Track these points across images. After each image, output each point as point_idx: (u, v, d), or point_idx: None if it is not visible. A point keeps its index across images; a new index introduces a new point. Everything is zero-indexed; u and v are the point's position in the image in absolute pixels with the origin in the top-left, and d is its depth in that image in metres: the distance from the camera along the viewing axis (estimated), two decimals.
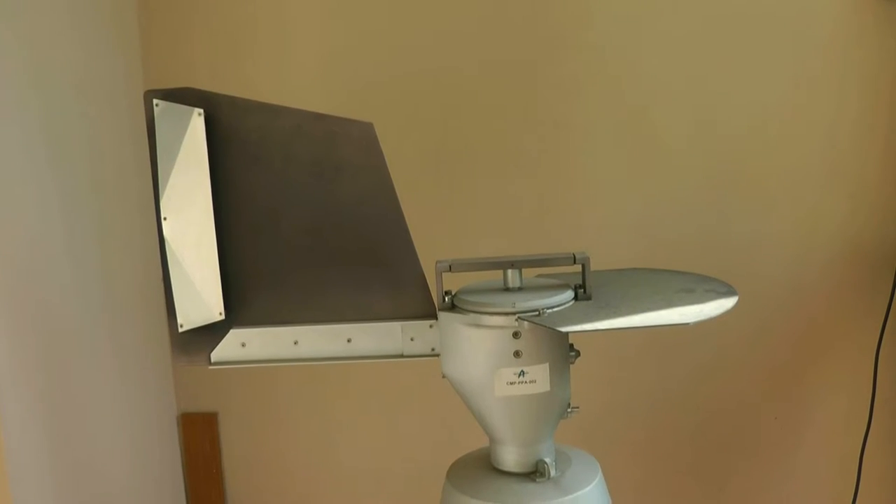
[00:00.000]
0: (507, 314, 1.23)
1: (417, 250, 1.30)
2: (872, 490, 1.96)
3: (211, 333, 1.34)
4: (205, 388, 2.04)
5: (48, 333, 1.59)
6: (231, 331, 1.34)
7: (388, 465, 2.02)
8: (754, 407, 1.97)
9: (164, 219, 1.28)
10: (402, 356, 1.33)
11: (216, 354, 1.35)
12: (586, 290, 1.30)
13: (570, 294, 1.28)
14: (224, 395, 2.04)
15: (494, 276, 1.35)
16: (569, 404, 1.32)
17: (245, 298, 1.34)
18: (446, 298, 1.29)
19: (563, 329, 1.17)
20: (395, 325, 1.32)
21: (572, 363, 1.31)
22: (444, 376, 1.31)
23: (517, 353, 1.24)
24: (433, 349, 1.32)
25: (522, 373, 1.25)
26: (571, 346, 1.31)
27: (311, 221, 1.32)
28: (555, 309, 1.24)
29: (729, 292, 1.28)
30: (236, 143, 1.30)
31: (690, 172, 1.91)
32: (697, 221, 1.91)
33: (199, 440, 2.07)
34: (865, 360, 1.90)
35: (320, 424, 2.02)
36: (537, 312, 1.22)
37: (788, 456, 1.99)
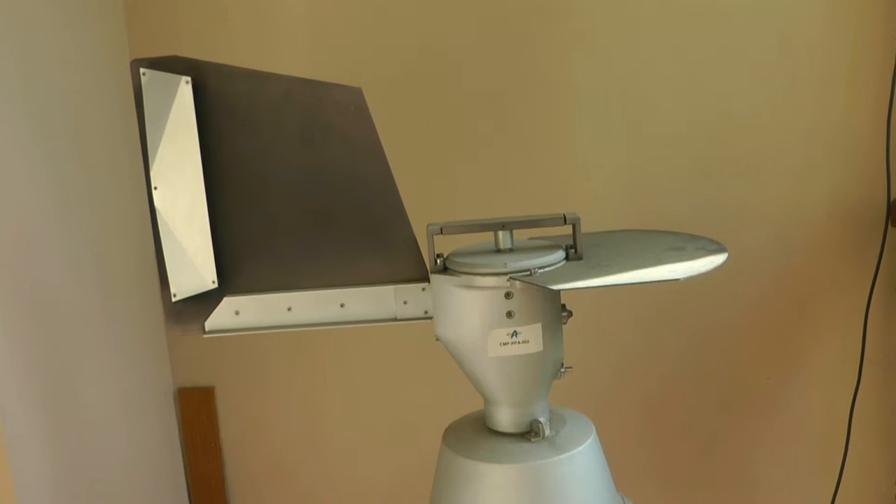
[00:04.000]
0: (498, 275, 1.23)
1: (409, 215, 1.30)
2: (862, 448, 1.97)
3: (204, 302, 1.34)
4: (201, 362, 2.05)
5: (41, 311, 1.59)
6: (224, 299, 1.35)
7: (384, 433, 2.03)
8: (745, 367, 1.98)
9: (155, 188, 1.28)
10: (395, 320, 1.33)
11: (210, 323, 1.35)
12: (577, 251, 1.30)
13: (560, 254, 1.29)
14: (220, 369, 2.04)
15: (485, 239, 1.35)
16: (562, 364, 1.33)
17: (238, 266, 1.34)
18: (438, 261, 1.30)
19: (555, 287, 1.18)
20: (388, 289, 1.32)
21: (565, 323, 1.32)
22: (437, 339, 1.32)
23: (509, 314, 1.25)
24: (426, 312, 1.32)
25: (515, 333, 1.25)
26: (563, 306, 1.32)
27: (302, 187, 1.32)
28: (546, 269, 1.25)
29: (719, 249, 1.29)
30: (225, 110, 1.30)
31: (679, 137, 1.91)
32: (686, 185, 1.92)
33: (197, 415, 2.07)
34: (854, 321, 1.92)
35: (317, 395, 2.03)
36: (529, 272, 1.23)
37: (779, 415, 2.00)
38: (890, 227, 1.86)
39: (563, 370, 1.33)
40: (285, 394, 2.04)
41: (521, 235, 1.36)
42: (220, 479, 2.09)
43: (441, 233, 1.30)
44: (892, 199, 1.86)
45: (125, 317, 1.86)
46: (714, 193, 1.92)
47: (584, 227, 1.31)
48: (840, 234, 1.92)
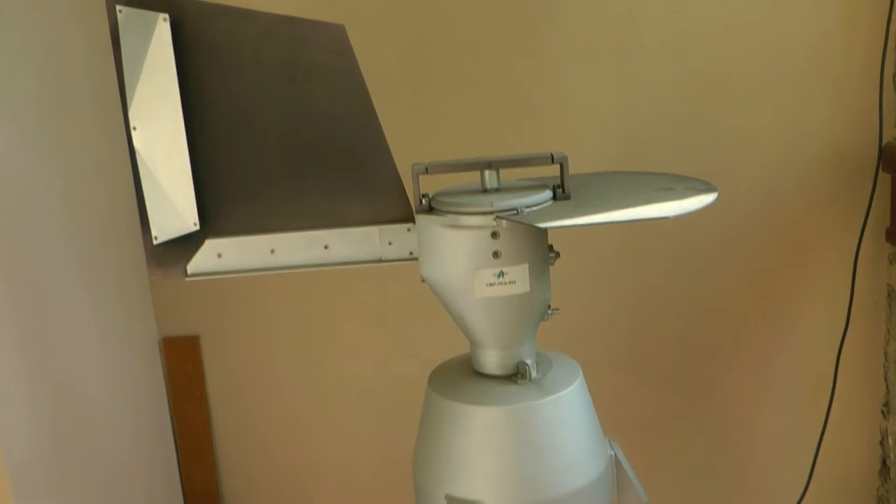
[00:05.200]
0: (484, 214, 1.22)
1: (394, 157, 1.28)
2: (848, 393, 1.98)
3: (186, 245, 1.32)
4: (185, 311, 2.03)
5: (21, 261, 1.55)
6: (206, 241, 1.32)
7: (370, 378, 2.02)
8: (733, 313, 1.98)
9: (134, 129, 1.26)
10: (380, 261, 1.32)
11: (192, 266, 1.33)
12: (565, 190, 1.28)
13: (548, 194, 1.27)
14: (205, 317, 2.03)
15: (472, 180, 1.33)
16: (549, 306, 1.32)
17: (219, 208, 1.32)
18: (423, 201, 1.28)
19: (542, 225, 1.16)
20: (373, 230, 1.30)
21: (552, 264, 1.31)
22: (423, 280, 1.30)
23: (496, 254, 1.23)
24: (411, 253, 1.30)
25: (502, 273, 1.24)
26: (551, 247, 1.30)
27: (284, 127, 1.29)
28: (533, 208, 1.23)
29: (708, 189, 1.27)
30: (204, 48, 1.27)
31: (670, 78, 1.88)
32: (677, 128, 1.90)
33: (182, 364, 2.06)
34: (843, 266, 1.91)
35: (302, 342, 2.02)
36: (515, 211, 1.21)
37: (767, 360, 2.00)
38: (880, 171, 1.84)
39: (550, 312, 1.32)
40: (270, 341, 2.02)
41: (508, 177, 1.34)
42: (207, 428, 2.08)
43: (426, 172, 1.28)
44: (883, 143, 1.84)
45: (108, 267, 1.84)
46: (704, 139, 1.90)
47: (572, 171, 1.29)
48: (831, 180, 1.90)
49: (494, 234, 1.22)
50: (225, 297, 2.00)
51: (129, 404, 1.88)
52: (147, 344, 1.99)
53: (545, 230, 1.28)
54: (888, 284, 1.94)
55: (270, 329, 2.01)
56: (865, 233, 1.87)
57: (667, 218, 1.15)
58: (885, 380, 1.99)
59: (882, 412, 2.02)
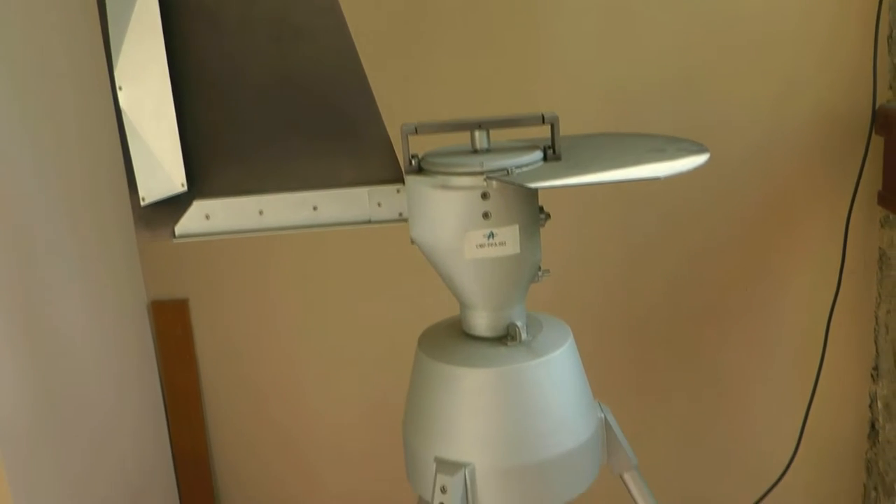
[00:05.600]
0: (474, 174, 1.20)
1: (384, 120, 1.27)
2: (838, 358, 1.98)
3: (174, 206, 1.31)
4: (174, 274, 2.02)
5: (7, 224, 1.54)
6: (194, 203, 1.32)
7: (360, 339, 2.02)
8: (725, 277, 1.97)
9: (120, 89, 1.24)
10: (369, 222, 1.31)
11: (180, 227, 1.32)
12: (556, 151, 1.27)
13: (538, 154, 1.26)
14: (194, 280, 2.02)
15: (461, 140, 1.32)
16: (539, 268, 1.31)
17: (207, 169, 1.31)
18: (413, 162, 1.27)
19: (533, 185, 1.15)
20: (362, 191, 1.30)
21: (542, 226, 1.30)
22: (412, 241, 1.29)
23: (486, 215, 1.22)
24: (401, 214, 1.30)
25: (492, 235, 1.23)
26: (541, 208, 1.29)
27: (272, 87, 1.28)
28: (524, 169, 1.22)
29: (700, 150, 1.26)
30: (190, 6, 1.26)
31: (662, 41, 1.87)
32: (668, 91, 1.88)
33: (171, 327, 2.05)
34: (834, 230, 1.91)
35: (291, 304, 2.01)
36: (505, 172, 1.20)
37: (757, 326, 2.00)
38: (873, 134, 1.83)
39: (540, 273, 1.31)
40: (260, 304, 2.02)
41: (499, 138, 1.33)
42: (196, 392, 2.08)
43: (416, 133, 1.26)
44: (876, 106, 1.83)
45: (95, 230, 1.83)
46: (695, 102, 1.89)
47: (563, 134, 1.28)
48: (823, 143, 1.89)
49: (484, 195, 1.21)
50: (214, 260, 1.99)
51: (117, 368, 1.88)
52: (136, 307, 1.99)
53: (535, 191, 1.27)
54: (879, 248, 1.94)
55: (259, 292, 2.01)
56: (857, 196, 1.87)
57: (658, 178, 1.14)
58: (875, 344, 2.00)
59: (871, 376, 2.03)
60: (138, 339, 1.99)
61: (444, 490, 1.26)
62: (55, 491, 1.58)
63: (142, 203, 1.29)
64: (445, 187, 1.22)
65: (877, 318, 1.98)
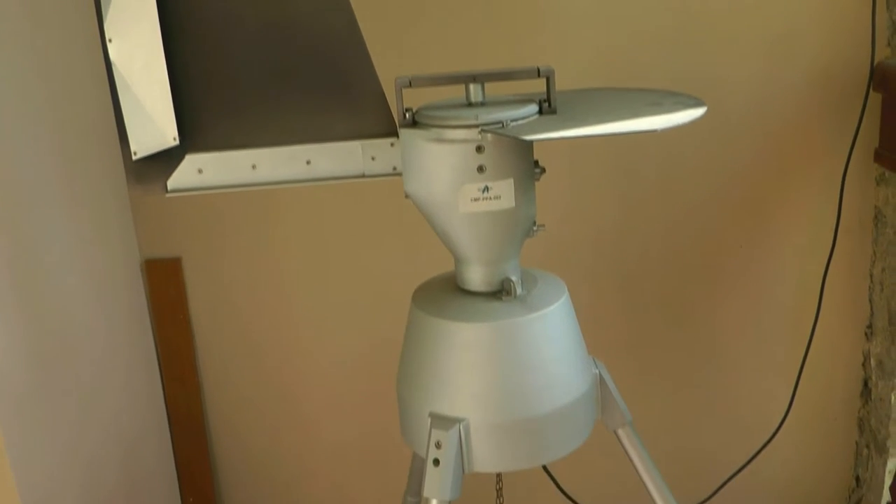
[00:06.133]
0: (469, 127, 1.19)
1: (376, 69, 1.25)
2: (832, 316, 1.98)
3: (166, 160, 1.30)
4: (167, 233, 2.00)
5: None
6: (187, 157, 1.30)
7: (354, 296, 2.01)
8: (720, 235, 1.97)
9: (110, 41, 1.22)
10: (363, 176, 1.30)
11: (172, 182, 1.31)
12: (551, 104, 1.26)
13: (534, 108, 1.25)
14: (187, 239, 2.00)
15: (456, 94, 1.31)
16: (534, 222, 1.30)
17: (199, 123, 1.29)
18: (407, 115, 1.25)
19: (527, 138, 1.14)
20: (356, 145, 1.28)
21: (537, 180, 1.29)
22: (406, 196, 1.28)
23: (481, 168, 1.21)
24: (395, 168, 1.29)
25: (486, 188, 1.22)
26: (536, 162, 1.28)
27: (265, 39, 1.26)
28: (519, 122, 1.21)
29: (697, 104, 1.24)
30: None
31: (658, 2, 1.85)
32: (663, 47, 1.86)
33: (164, 286, 2.04)
34: (830, 187, 1.90)
35: (285, 262, 2.00)
36: (500, 124, 1.19)
37: (752, 282, 2.00)
38: (871, 91, 1.82)
39: (535, 228, 1.30)
40: (252, 262, 2.01)
41: (494, 92, 1.31)
42: (190, 351, 2.08)
43: (410, 86, 1.25)
44: (875, 62, 1.81)
45: (87, 188, 1.81)
46: (692, 58, 1.87)
47: (559, 89, 1.27)
48: (821, 99, 1.88)
49: (479, 148, 1.20)
50: (206, 218, 1.98)
51: (110, 327, 1.87)
52: (129, 266, 1.97)
53: (530, 144, 1.26)
54: (875, 206, 1.93)
55: (253, 249, 2.00)
56: (853, 154, 1.86)
57: (655, 131, 1.13)
58: (870, 302, 2.00)
59: (865, 334, 2.03)
60: (131, 299, 1.98)
61: (438, 445, 1.26)
62: (49, 449, 1.58)
63: (133, 157, 1.27)
64: (440, 140, 1.21)
65: (871, 277, 1.98)
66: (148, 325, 2.04)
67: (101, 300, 1.83)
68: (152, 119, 1.27)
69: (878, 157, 1.86)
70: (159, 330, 2.06)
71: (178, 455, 2.13)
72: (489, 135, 1.18)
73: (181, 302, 2.04)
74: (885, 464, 2.02)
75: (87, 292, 1.78)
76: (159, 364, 2.07)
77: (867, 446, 2.09)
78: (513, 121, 1.20)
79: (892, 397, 1.95)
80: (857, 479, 2.15)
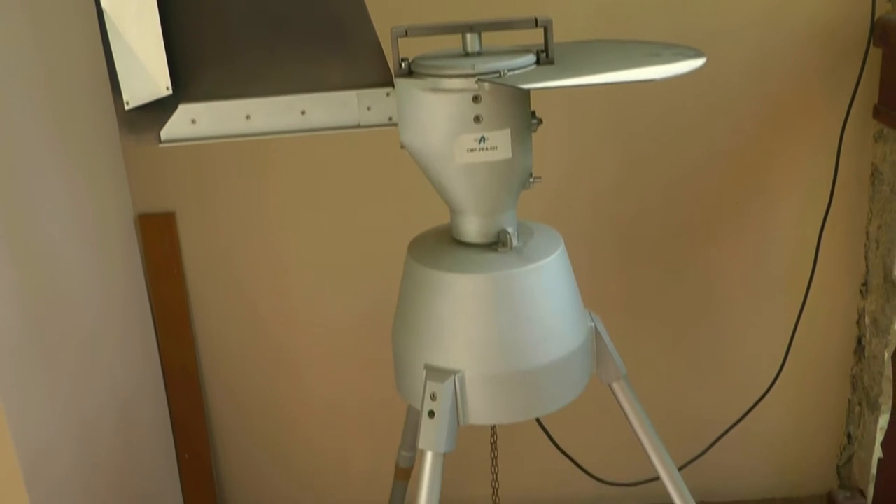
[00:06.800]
0: (466, 76, 1.18)
1: (372, 18, 1.24)
2: (828, 274, 1.98)
3: (159, 110, 1.28)
4: (160, 187, 1.99)
5: None
6: (180, 107, 1.29)
7: (349, 250, 2.00)
8: (716, 191, 1.96)
9: None
10: (358, 126, 1.28)
11: (166, 132, 1.30)
12: (549, 55, 1.25)
13: (531, 58, 1.23)
14: (180, 193, 1.99)
15: (453, 44, 1.29)
16: (531, 174, 1.29)
17: (193, 72, 1.28)
18: (403, 65, 1.24)
19: (525, 86, 1.12)
20: (351, 95, 1.27)
21: (534, 131, 1.28)
22: (402, 146, 1.27)
23: (477, 118, 1.20)
24: (391, 118, 1.27)
25: (483, 139, 1.21)
26: (533, 113, 1.27)
27: None
28: (516, 71, 1.20)
29: (696, 55, 1.23)
30: None
31: None
32: (663, 3, 1.84)
33: (158, 241, 2.03)
34: (828, 144, 1.89)
35: (280, 216, 1.99)
36: (498, 74, 1.17)
37: (748, 240, 2.00)
38: (871, 47, 1.80)
39: (532, 180, 1.30)
40: (247, 217, 1.99)
41: (491, 43, 1.30)
42: (185, 306, 2.07)
43: (406, 35, 1.24)
44: (875, 17, 1.79)
45: (80, 141, 1.79)
46: (690, 12, 1.85)
47: (556, 41, 1.25)
48: (820, 55, 1.86)
49: (476, 98, 1.19)
50: (200, 172, 1.96)
51: (105, 283, 1.86)
52: (122, 221, 1.96)
53: (528, 95, 1.24)
54: (872, 163, 1.93)
55: (247, 204, 1.98)
56: (852, 110, 1.84)
57: (654, 80, 1.12)
58: (866, 259, 2.00)
59: (861, 292, 2.03)
60: (125, 254, 1.97)
61: (433, 397, 1.26)
62: (46, 405, 1.58)
63: (126, 107, 1.26)
64: (436, 90, 1.20)
65: (867, 234, 1.98)
66: (142, 281, 2.04)
67: (95, 255, 1.82)
68: (145, 68, 1.25)
69: (877, 113, 1.85)
70: (153, 285, 2.06)
71: (173, 411, 2.13)
72: (486, 84, 1.17)
73: (175, 257, 2.04)
74: (876, 421, 2.03)
75: (81, 248, 1.76)
76: (154, 320, 2.07)
77: (859, 404, 2.10)
78: (510, 70, 1.18)
79: (886, 354, 1.96)
80: (849, 436, 2.16)
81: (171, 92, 1.27)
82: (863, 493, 2.14)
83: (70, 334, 1.70)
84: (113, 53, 1.23)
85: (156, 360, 2.08)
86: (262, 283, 2.05)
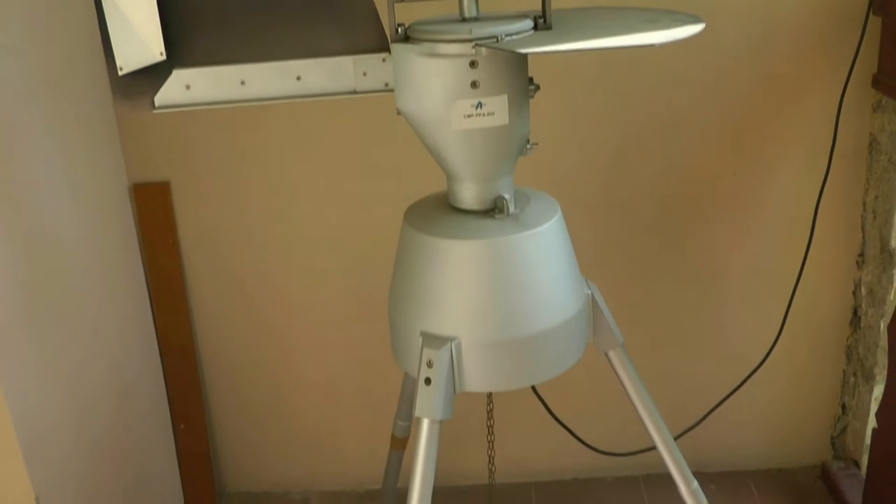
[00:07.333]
0: (463, 41, 1.17)
1: None
2: (824, 244, 1.98)
3: (153, 76, 1.27)
4: (155, 156, 1.98)
5: None
6: (174, 72, 1.28)
7: (345, 219, 1.99)
8: (713, 161, 1.95)
9: None
10: (354, 92, 1.28)
11: (160, 98, 1.29)
12: (546, 20, 1.24)
13: (529, 23, 1.22)
14: (175, 163, 1.98)
15: (450, 10, 1.28)
16: (528, 140, 1.29)
17: (187, 38, 1.27)
18: (399, 30, 1.23)
19: (522, 51, 1.12)
20: (347, 60, 1.26)
21: (532, 97, 1.27)
22: (399, 112, 1.26)
23: (474, 84, 1.19)
24: (387, 84, 1.27)
25: (480, 105, 1.20)
26: (531, 79, 1.26)
27: None
28: (514, 37, 1.19)
29: (695, 21, 1.22)
30: None
31: None
32: None
33: (153, 210, 2.02)
34: (826, 114, 1.88)
35: (275, 185, 1.98)
36: (495, 39, 1.16)
37: (745, 210, 1.99)
38: (871, 15, 1.79)
39: (528, 146, 1.29)
40: (242, 186, 1.98)
41: (488, 9, 1.29)
42: (180, 276, 2.06)
43: (402, 0, 1.22)
44: None
45: (74, 109, 1.78)
46: None
47: (554, 7, 1.24)
48: (820, 23, 1.84)
49: (473, 64, 1.18)
50: (195, 142, 1.95)
51: (101, 253, 1.85)
52: (117, 190, 1.95)
53: (525, 61, 1.24)
54: (870, 133, 1.92)
55: (242, 174, 1.97)
56: (851, 80, 1.83)
57: (653, 46, 1.11)
58: (862, 230, 1.99)
59: (857, 262, 2.03)
60: (120, 224, 1.96)
61: (430, 364, 1.26)
62: (44, 377, 1.57)
63: (119, 72, 1.25)
64: (433, 55, 1.19)
65: (864, 204, 1.97)
66: (137, 252, 2.02)
67: (89, 225, 1.81)
68: (138, 34, 1.24)
69: (876, 82, 1.84)
70: (148, 256, 2.05)
71: (169, 384, 2.13)
72: (483, 49, 1.16)
73: (170, 227, 2.03)
74: (871, 391, 2.04)
75: (76, 217, 1.75)
76: (149, 291, 2.06)
77: (854, 374, 2.10)
78: (507, 35, 1.18)
79: (882, 325, 1.96)
80: (843, 407, 2.17)
81: (164, 57, 1.26)
82: (857, 464, 2.15)
83: (67, 306, 1.69)
84: (106, 18, 1.22)
85: (152, 332, 2.08)
86: (256, 254, 2.04)
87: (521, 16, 1.26)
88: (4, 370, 1.44)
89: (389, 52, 1.24)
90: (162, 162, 1.98)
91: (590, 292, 1.38)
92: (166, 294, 2.08)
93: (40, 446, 1.53)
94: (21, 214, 1.55)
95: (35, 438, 1.51)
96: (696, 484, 1.51)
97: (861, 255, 2.01)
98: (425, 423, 1.27)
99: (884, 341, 1.96)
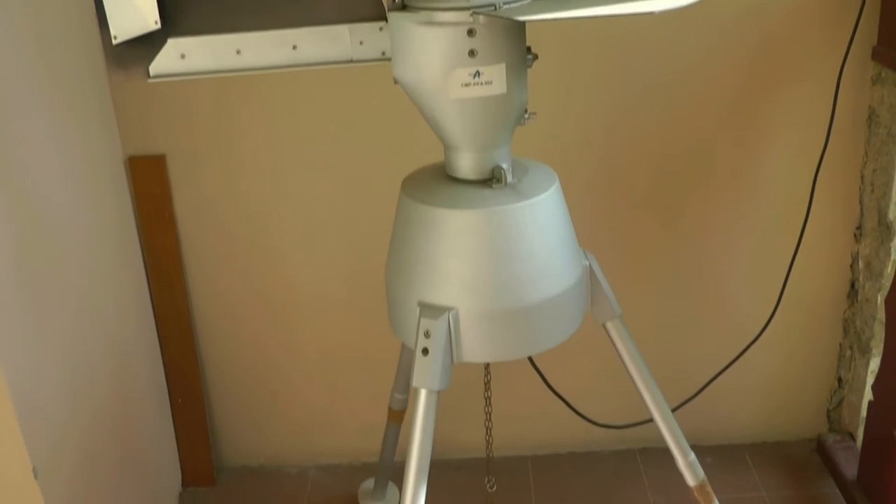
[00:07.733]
0: (460, 9, 1.16)
1: None
2: (822, 217, 1.97)
3: (147, 45, 1.27)
4: (150, 129, 1.96)
5: None
6: (169, 41, 1.27)
7: (341, 190, 1.98)
8: (710, 134, 1.94)
9: None
10: (351, 61, 1.27)
11: (154, 67, 1.28)
12: None
13: None
14: (171, 135, 1.96)
15: None
16: (526, 110, 1.28)
17: (182, 6, 1.26)
18: None
19: (521, 18, 1.11)
20: (343, 29, 1.25)
21: (530, 66, 1.26)
22: (396, 81, 1.25)
23: (472, 52, 1.18)
24: (384, 53, 1.26)
25: (478, 73, 1.19)
26: (529, 48, 1.26)
27: None
28: (512, 5, 1.18)
29: None
30: None
31: None
32: None
33: (149, 184, 2.01)
34: (825, 87, 1.87)
35: (271, 158, 1.97)
36: (493, 7, 1.16)
37: (743, 183, 1.98)
38: None
39: (526, 116, 1.28)
40: (238, 158, 1.97)
41: None
42: (176, 250, 2.05)
43: None
44: None
45: (68, 82, 1.76)
46: None
47: None
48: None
49: (470, 32, 1.17)
50: (190, 115, 1.94)
51: (96, 227, 1.84)
52: (112, 163, 1.94)
53: (523, 28, 1.23)
54: (870, 106, 1.91)
55: (238, 146, 1.96)
56: (850, 52, 1.82)
57: (652, 13, 1.10)
58: (860, 203, 1.99)
59: (855, 235, 2.03)
60: (116, 198, 1.95)
61: (427, 334, 1.25)
62: (41, 349, 1.56)
63: (113, 41, 1.23)
64: (430, 23, 1.18)
65: (863, 178, 1.97)
66: (133, 225, 2.02)
67: (85, 199, 1.80)
68: (133, 2, 1.23)
69: (876, 54, 1.83)
70: (144, 230, 2.04)
71: (165, 356, 2.13)
72: (481, 17, 1.15)
73: (166, 200, 2.01)
74: (867, 364, 2.04)
75: (71, 191, 1.74)
76: (145, 264, 2.05)
77: (850, 347, 2.11)
78: (505, 3, 1.16)
79: (879, 298, 1.96)
80: (840, 380, 2.17)
81: (159, 26, 1.25)
82: (852, 437, 2.16)
83: (63, 279, 1.68)
84: None
85: (148, 306, 2.07)
86: (253, 227, 2.03)
87: None
88: (1, 344, 1.43)
89: (386, 21, 1.23)
90: (157, 135, 1.97)
91: (588, 263, 1.38)
92: (162, 267, 2.08)
93: (38, 419, 1.52)
94: (15, 189, 1.53)
95: (32, 411, 1.50)
96: (692, 456, 1.51)
97: (859, 228, 2.01)
98: (423, 394, 1.27)
99: (881, 314, 1.96)
